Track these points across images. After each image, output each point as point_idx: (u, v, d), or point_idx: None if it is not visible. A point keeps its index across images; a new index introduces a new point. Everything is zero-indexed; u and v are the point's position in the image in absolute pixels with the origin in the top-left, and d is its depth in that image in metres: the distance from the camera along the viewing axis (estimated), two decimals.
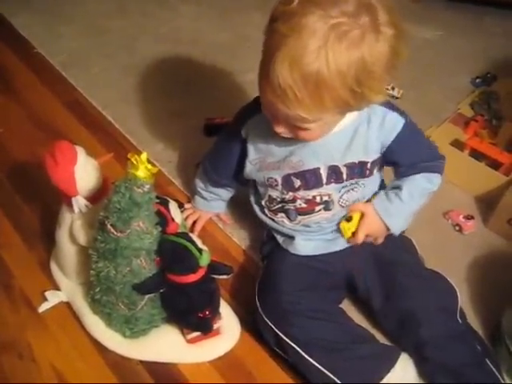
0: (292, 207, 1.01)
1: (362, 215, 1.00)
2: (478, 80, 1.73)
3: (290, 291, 0.96)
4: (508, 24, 2.02)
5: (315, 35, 0.71)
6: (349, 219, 1.01)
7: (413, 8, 2.11)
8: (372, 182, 1.02)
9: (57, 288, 1.09)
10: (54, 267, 1.10)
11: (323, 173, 0.96)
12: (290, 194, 0.99)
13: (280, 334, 0.93)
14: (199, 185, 1.19)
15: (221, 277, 0.95)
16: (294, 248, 1.04)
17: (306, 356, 0.92)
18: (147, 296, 0.94)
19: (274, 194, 1.01)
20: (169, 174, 1.34)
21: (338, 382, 0.91)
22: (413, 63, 1.80)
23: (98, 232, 0.89)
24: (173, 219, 1.00)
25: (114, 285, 0.91)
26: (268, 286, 0.99)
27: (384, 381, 0.91)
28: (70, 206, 0.97)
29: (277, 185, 0.99)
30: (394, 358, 0.94)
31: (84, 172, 0.94)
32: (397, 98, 1.63)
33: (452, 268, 1.17)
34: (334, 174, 0.96)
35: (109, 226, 0.85)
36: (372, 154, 0.96)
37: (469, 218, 1.26)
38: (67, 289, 1.07)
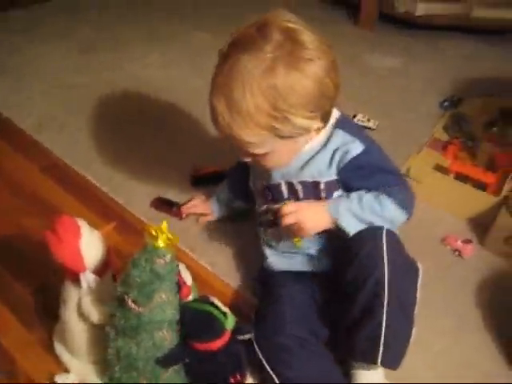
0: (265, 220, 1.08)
1: None
2: (445, 103, 1.79)
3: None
4: (462, 46, 2.12)
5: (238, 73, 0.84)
6: None
7: (368, 37, 2.19)
8: None
9: (65, 369, 1.02)
10: (59, 347, 1.03)
11: (284, 189, 1.01)
12: (264, 206, 1.07)
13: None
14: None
15: (245, 336, 0.92)
16: (267, 263, 1.10)
17: None
18: (171, 368, 0.89)
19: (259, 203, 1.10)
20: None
21: None
22: (381, 92, 1.85)
23: (117, 309, 0.84)
24: (184, 282, 0.97)
25: (136, 361, 0.86)
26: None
27: None
28: (76, 281, 0.92)
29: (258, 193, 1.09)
30: None
31: (90, 246, 0.90)
32: (373, 129, 1.65)
33: (459, 293, 1.18)
34: (292, 191, 1.00)
35: (129, 302, 0.81)
36: (325, 175, 0.97)
37: (467, 241, 1.28)
38: (77, 369, 1.00)
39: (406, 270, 0.95)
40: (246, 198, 1.18)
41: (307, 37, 0.86)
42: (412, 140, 1.59)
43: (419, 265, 0.99)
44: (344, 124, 0.98)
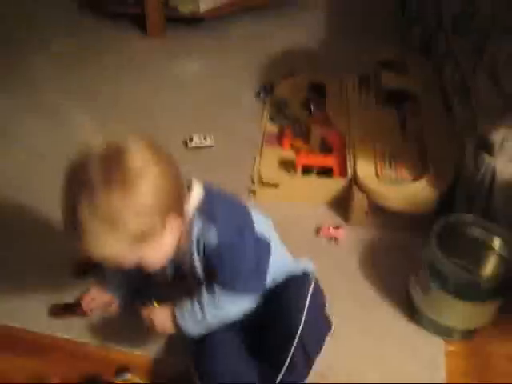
0: None
1: None
2: (260, 93, 1.87)
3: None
4: (251, 29, 2.20)
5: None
6: None
7: (164, 45, 2.14)
8: None
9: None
10: None
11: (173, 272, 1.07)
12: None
13: None
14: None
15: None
16: None
17: None
18: None
19: None
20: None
21: None
22: (197, 101, 1.83)
23: None
24: None
25: None
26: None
27: None
28: None
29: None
30: None
31: None
32: (213, 146, 1.67)
33: (348, 273, 1.32)
34: (181, 271, 1.06)
35: None
36: (199, 263, 1.02)
37: (337, 227, 1.42)
38: None
39: (320, 325, 1.08)
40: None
41: (129, 155, 0.87)
42: (249, 142, 1.63)
43: (333, 323, 1.11)
44: (206, 205, 1.00)
